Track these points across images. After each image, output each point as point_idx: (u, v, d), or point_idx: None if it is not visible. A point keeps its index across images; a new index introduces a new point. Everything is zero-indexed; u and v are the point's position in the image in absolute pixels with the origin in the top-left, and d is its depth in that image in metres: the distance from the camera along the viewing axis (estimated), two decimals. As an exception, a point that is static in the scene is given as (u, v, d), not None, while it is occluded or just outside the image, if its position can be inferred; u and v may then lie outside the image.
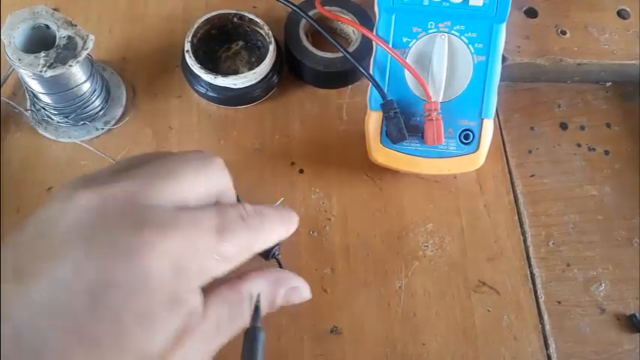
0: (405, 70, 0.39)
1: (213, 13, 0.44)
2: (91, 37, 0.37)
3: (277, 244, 0.33)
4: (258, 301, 0.31)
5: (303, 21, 0.45)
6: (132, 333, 0.23)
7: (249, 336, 0.30)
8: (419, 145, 0.40)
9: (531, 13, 0.48)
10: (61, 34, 0.37)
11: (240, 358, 0.29)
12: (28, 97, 0.41)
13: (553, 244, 0.43)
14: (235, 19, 0.45)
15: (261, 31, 0.45)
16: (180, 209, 0.25)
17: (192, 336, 0.25)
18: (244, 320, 0.29)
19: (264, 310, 0.30)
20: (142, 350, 0.23)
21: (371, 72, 0.40)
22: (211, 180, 0.28)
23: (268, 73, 0.43)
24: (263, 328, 0.30)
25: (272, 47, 0.43)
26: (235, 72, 0.46)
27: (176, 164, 0.27)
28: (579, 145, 0.47)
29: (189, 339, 0.25)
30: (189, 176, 0.26)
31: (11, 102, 0.42)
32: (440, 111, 0.39)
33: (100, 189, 0.24)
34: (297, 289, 0.31)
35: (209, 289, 0.27)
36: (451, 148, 0.40)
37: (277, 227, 0.29)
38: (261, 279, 0.30)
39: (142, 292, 0.23)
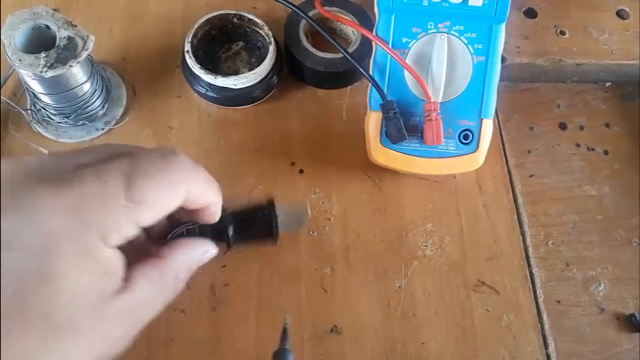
0: (405, 70, 0.39)
1: (214, 14, 0.44)
2: (91, 37, 0.37)
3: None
4: (286, 324, 0.32)
5: (303, 21, 0.45)
6: (35, 294, 0.22)
7: (279, 358, 0.30)
8: (418, 145, 0.40)
9: (531, 13, 0.48)
10: (62, 34, 0.37)
11: None
12: (28, 97, 0.42)
13: (552, 243, 0.43)
14: (235, 20, 0.45)
15: (261, 31, 0.45)
16: (85, 164, 0.25)
17: (113, 304, 0.25)
18: (166, 298, 0.29)
19: (184, 281, 0.30)
20: (48, 313, 0.23)
21: (371, 72, 0.40)
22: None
23: (268, 74, 0.43)
24: (291, 350, 0.31)
25: (272, 48, 0.43)
26: (235, 72, 0.46)
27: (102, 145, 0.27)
28: (578, 145, 0.47)
29: (110, 306, 0.25)
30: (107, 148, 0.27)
31: (11, 102, 0.42)
32: (439, 111, 0.39)
33: (18, 159, 0.25)
34: (207, 252, 0.32)
35: (135, 267, 0.27)
36: (450, 148, 0.40)
37: (206, 180, 0.29)
38: (178, 253, 0.30)
39: (43, 250, 0.23)
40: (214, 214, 0.32)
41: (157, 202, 0.26)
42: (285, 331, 0.32)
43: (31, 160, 0.25)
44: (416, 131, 0.40)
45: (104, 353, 0.26)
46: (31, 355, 0.23)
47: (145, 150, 0.27)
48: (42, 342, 0.23)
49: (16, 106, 0.42)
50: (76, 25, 0.37)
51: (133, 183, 0.25)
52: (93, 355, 0.25)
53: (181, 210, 0.34)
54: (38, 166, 0.25)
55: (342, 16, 0.45)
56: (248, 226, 0.35)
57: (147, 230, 0.31)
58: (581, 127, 0.48)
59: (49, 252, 0.23)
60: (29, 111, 0.42)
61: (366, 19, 0.45)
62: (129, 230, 0.25)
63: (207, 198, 0.30)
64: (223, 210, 0.35)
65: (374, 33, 0.40)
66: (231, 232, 0.35)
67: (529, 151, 0.46)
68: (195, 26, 0.43)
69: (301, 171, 0.43)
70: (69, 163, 0.25)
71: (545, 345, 0.39)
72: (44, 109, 0.41)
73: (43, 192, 0.23)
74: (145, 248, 0.31)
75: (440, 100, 0.39)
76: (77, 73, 0.38)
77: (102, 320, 0.25)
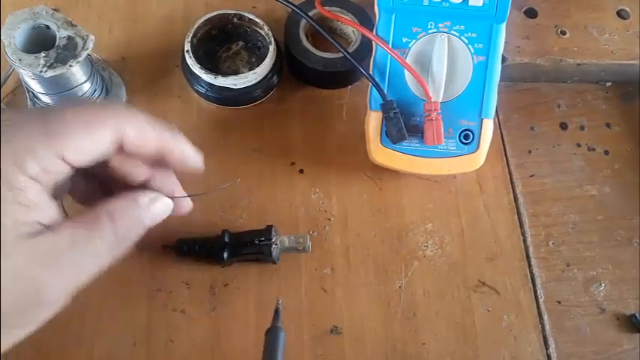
0: (405, 70, 0.39)
1: (214, 14, 0.44)
2: (91, 37, 0.37)
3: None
4: (278, 303, 0.33)
5: (303, 21, 0.45)
6: None
7: (270, 335, 0.31)
8: (419, 145, 0.40)
9: (531, 13, 0.48)
10: (61, 34, 0.37)
11: (262, 356, 0.30)
12: (28, 97, 0.41)
13: (553, 244, 0.43)
14: (235, 20, 0.45)
15: (261, 31, 0.45)
16: None
17: (31, 241, 0.24)
18: (107, 242, 0.27)
19: (130, 231, 0.29)
20: None
21: (371, 72, 0.40)
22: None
23: (268, 74, 0.43)
24: (283, 328, 0.31)
25: (272, 47, 0.43)
26: (235, 72, 0.46)
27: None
28: (579, 145, 0.47)
29: (27, 242, 0.24)
30: None
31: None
32: (440, 111, 0.39)
33: None
34: (156, 200, 0.30)
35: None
36: (451, 148, 0.40)
37: (146, 119, 0.28)
38: (115, 201, 0.28)
39: None
40: (185, 158, 0.31)
41: (77, 134, 0.25)
42: (277, 311, 0.33)
43: None
44: (416, 131, 0.40)
45: (23, 294, 0.25)
46: None
47: None
48: None
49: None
50: (75, 25, 0.37)
51: (50, 113, 0.25)
52: (8, 290, 0.24)
53: (158, 172, 0.32)
54: None
55: (342, 15, 0.45)
56: (245, 249, 0.37)
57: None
58: (582, 127, 0.48)
59: None
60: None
61: (366, 19, 0.45)
62: (49, 161, 0.25)
63: (153, 138, 0.29)
64: (222, 232, 0.37)
65: (374, 33, 0.40)
66: (226, 255, 0.37)
67: (529, 151, 0.46)
68: (195, 26, 0.43)
69: (301, 171, 0.43)
70: None
71: (546, 345, 0.39)
72: (44, 108, 0.41)
73: None
74: None
75: (440, 100, 0.39)
76: (77, 73, 0.38)
77: (21, 255, 0.24)
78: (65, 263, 0.26)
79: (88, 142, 0.26)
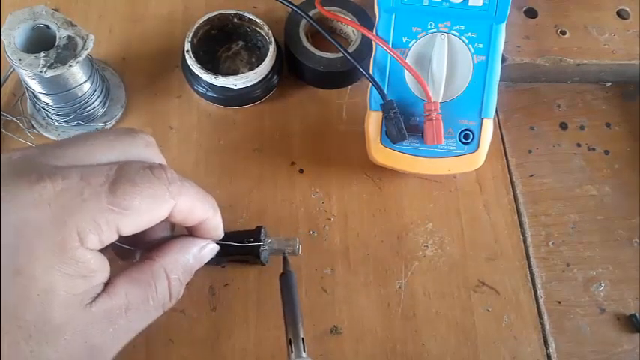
0: (405, 70, 0.39)
1: (214, 14, 0.44)
2: (91, 37, 0.37)
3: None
4: (285, 252, 0.36)
5: (303, 21, 0.45)
6: (6, 291, 0.22)
7: (284, 279, 0.35)
8: (419, 145, 0.40)
9: (531, 13, 0.48)
10: (61, 34, 0.37)
11: (281, 296, 0.34)
12: (28, 97, 0.42)
13: (553, 244, 0.43)
14: (235, 20, 0.45)
15: (261, 31, 0.45)
16: (75, 166, 0.24)
17: (91, 309, 0.24)
18: (160, 302, 0.27)
19: (182, 283, 0.29)
20: (18, 313, 0.22)
21: (371, 72, 0.40)
22: (128, 152, 0.27)
23: (268, 74, 0.43)
24: (293, 271, 0.35)
25: (272, 47, 0.43)
26: (235, 72, 0.46)
27: (89, 136, 0.26)
28: (579, 145, 0.47)
29: (87, 311, 0.24)
30: (100, 145, 0.26)
31: (7, 115, 0.42)
32: (440, 111, 0.39)
33: (4, 155, 0.24)
34: (205, 248, 0.31)
35: (120, 272, 0.26)
36: (451, 148, 0.40)
37: (196, 195, 0.28)
38: (169, 253, 0.29)
39: (15, 244, 0.22)
40: (214, 230, 0.31)
41: (140, 211, 0.25)
42: (285, 259, 0.35)
43: (16, 155, 0.24)
44: (416, 131, 0.40)
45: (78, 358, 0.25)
46: (4, 357, 0.22)
47: (136, 162, 0.26)
48: (13, 344, 0.22)
49: (9, 116, 0.42)
50: (76, 25, 0.37)
51: (117, 187, 0.24)
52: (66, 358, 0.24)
53: (180, 228, 0.33)
54: (22, 159, 0.24)
55: (342, 15, 0.45)
56: (234, 251, 0.36)
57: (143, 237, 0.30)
58: (582, 127, 0.48)
59: (19, 247, 0.22)
60: (23, 118, 0.42)
61: (366, 19, 0.45)
62: (109, 235, 0.24)
63: (199, 213, 0.29)
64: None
65: (374, 33, 0.40)
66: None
67: (529, 151, 0.46)
68: (195, 26, 0.43)
69: (301, 171, 0.43)
70: (53, 158, 0.25)
71: (546, 345, 0.39)
72: (44, 109, 0.41)
73: (21, 185, 0.23)
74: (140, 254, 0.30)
75: (440, 100, 0.39)
76: (77, 73, 0.38)
77: (78, 325, 0.24)
78: (120, 326, 0.26)
79: (147, 222, 0.26)
